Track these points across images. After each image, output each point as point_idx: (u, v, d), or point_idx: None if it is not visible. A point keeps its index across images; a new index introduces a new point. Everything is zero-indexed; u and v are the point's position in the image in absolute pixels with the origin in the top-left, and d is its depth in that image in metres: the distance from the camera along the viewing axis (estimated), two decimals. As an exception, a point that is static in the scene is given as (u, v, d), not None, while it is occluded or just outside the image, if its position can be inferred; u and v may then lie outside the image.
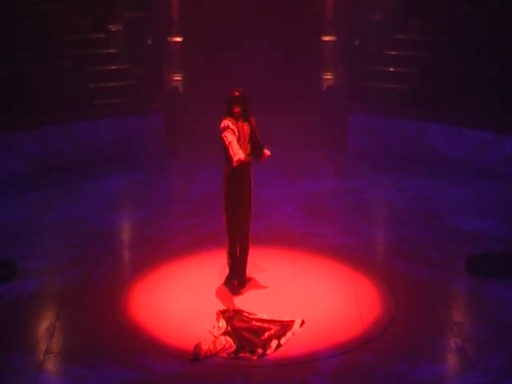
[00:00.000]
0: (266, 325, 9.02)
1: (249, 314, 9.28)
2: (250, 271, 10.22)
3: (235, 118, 9.69)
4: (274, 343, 8.74)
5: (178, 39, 18.17)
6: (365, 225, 12.49)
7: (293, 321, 9.15)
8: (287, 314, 9.31)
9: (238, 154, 9.45)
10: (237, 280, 10.10)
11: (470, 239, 11.82)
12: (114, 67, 16.72)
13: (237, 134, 9.63)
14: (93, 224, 12.46)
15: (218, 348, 8.62)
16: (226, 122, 9.65)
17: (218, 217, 12.17)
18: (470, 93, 15.45)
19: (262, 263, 10.72)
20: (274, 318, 9.19)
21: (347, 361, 8.55)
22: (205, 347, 8.58)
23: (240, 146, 9.58)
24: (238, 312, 9.28)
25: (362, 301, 9.82)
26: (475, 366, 8.44)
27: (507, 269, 10.64)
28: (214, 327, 9.05)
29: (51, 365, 8.51)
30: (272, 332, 8.87)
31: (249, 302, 9.69)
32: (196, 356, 8.49)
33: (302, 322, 9.18)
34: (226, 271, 10.21)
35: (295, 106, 18.04)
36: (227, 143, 9.53)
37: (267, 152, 9.95)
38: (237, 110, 9.67)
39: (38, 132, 14.99)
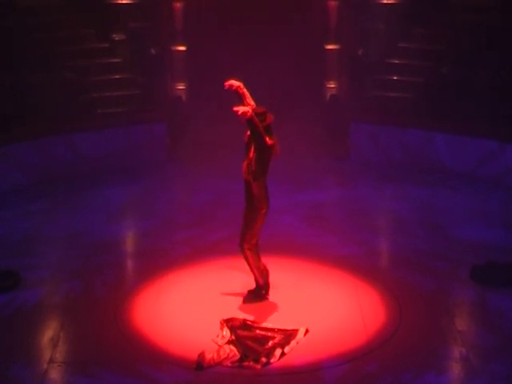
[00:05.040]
0: (269, 333, 9.01)
1: (253, 322, 9.27)
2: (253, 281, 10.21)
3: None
4: (278, 352, 8.72)
5: (182, 48, 18.19)
6: (368, 234, 12.46)
7: (297, 330, 9.14)
8: (291, 323, 9.29)
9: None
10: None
11: (474, 248, 11.79)
12: (117, 76, 16.73)
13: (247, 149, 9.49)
14: (95, 234, 12.43)
15: (222, 357, 8.60)
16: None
17: (219, 226, 12.19)
18: (472, 101, 15.44)
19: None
20: (278, 327, 9.18)
21: (351, 370, 8.53)
22: (209, 356, 8.56)
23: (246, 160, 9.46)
24: (242, 321, 9.26)
25: (365, 310, 9.80)
26: (480, 375, 8.42)
27: (511, 278, 10.61)
28: (217, 336, 9.03)
29: (55, 374, 8.49)
30: (276, 341, 8.86)
31: (253, 311, 9.67)
32: (200, 365, 8.48)
33: (306, 331, 9.16)
34: (228, 281, 10.22)
35: (298, 115, 18.03)
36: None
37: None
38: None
39: (40, 142, 14.94)
